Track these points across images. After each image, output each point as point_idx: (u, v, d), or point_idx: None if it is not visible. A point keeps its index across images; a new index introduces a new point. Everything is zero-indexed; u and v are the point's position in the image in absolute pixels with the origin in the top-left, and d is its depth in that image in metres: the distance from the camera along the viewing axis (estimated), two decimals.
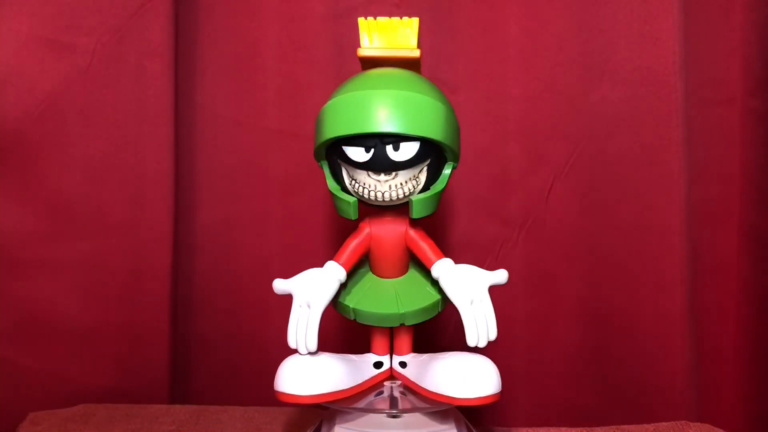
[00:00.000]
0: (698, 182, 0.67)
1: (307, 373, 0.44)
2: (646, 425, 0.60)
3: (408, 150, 0.44)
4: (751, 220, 0.67)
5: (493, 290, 0.66)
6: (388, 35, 0.47)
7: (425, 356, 0.49)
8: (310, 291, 0.46)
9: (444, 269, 0.46)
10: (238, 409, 0.65)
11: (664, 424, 0.60)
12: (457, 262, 0.47)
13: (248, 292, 0.70)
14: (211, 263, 0.71)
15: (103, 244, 0.67)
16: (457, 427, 0.49)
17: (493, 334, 0.44)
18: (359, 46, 0.47)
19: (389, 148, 0.44)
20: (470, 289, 0.44)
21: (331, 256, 0.50)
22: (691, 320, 0.64)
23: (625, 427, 0.60)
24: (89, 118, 0.67)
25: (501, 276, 0.45)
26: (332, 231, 0.69)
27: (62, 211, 0.67)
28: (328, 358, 0.46)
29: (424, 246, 0.47)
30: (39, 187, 0.67)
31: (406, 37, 0.47)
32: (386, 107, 0.43)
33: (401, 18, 0.47)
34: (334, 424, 0.49)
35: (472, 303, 0.44)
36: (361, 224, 0.49)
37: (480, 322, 0.44)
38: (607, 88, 0.65)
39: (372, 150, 0.44)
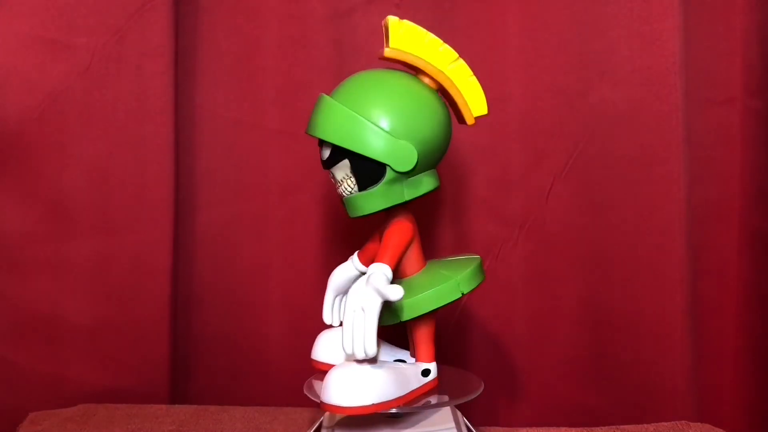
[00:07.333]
0: (698, 182, 0.66)
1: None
2: (646, 425, 0.60)
3: (326, 150, 0.49)
4: (751, 220, 0.67)
5: (494, 289, 0.67)
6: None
7: None
8: None
9: (369, 271, 0.45)
10: (238, 409, 0.65)
11: (664, 424, 0.60)
12: None
13: (248, 292, 0.70)
14: (211, 263, 0.71)
15: (103, 244, 0.68)
16: (457, 427, 0.49)
17: (370, 350, 0.43)
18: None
19: (321, 148, 0.49)
20: (362, 297, 0.44)
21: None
22: (691, 320, 0.64)
23: (625, 427, 0.60)
24: (89, 118, 0.67)
25: (394, 293, 0.43)
26: (332, 231, 0.69)
27: (62, 211, 0.67)
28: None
29: (383, 244, 0.48)
30: (39, 187, 0.67)
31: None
32: (314, 111, 0.49)
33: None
34: (335, 424, 0.49)
35: (354, 311, 0.44)
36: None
37: (356, 333, 0.43)
38: (607, 88, 0.65)
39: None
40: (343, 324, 0.44)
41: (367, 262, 0.53)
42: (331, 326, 0.54)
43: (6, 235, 0.67)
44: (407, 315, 0.47)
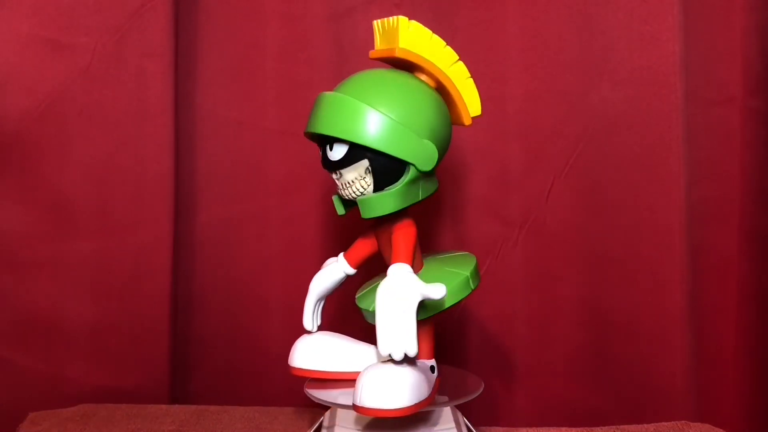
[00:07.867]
0: (698, 182, 0.66)
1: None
2: (646, 425, 0.60)
3: (339, 150, 0.46)
4: (751, 220, 0.67)
5: (494, 289, 0.67)
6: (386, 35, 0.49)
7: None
8: None
9: (391, 272, 0.44)
10: (238, 409, 0.65)
11: (664, 424, 0.60)
12: None
13: (248, 292, 0.70)
14: (211, 263, 0.71)
15: (103, 244, 0.67)
16: (457, 427, 0.49)
17: (411, 350, 0.42)
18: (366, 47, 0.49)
19: (327, 148, 0.46)
20: (399, 296, 0.43)
21: (330, 256, 0.50)
22: (691, 320, 0.64)
23: (625, 427, 0.60)
24: (89, 118, 0.67)
25: (438, 292, 0.43)
26: (332, 231, 0.69)
27: (62, 211, 0.67)
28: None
29: (396, 245, 0.47)
30: (39, 187, 0.67)
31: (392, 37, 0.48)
32: (319, 109, 0.47)
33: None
34: (335, 424, 0.49)
35: (390, 311, 0.42)
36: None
37: (396, 333, 0.42)
38: (607, 88, 0.65)
39: (323, 149, 0.47)
40: (378, 324, 0.42)
41: (355, 264, 0.52)
42: (309, 332, 0.53)
43: (6, 235, 0.67)
44: (427, 313, 0.47)
